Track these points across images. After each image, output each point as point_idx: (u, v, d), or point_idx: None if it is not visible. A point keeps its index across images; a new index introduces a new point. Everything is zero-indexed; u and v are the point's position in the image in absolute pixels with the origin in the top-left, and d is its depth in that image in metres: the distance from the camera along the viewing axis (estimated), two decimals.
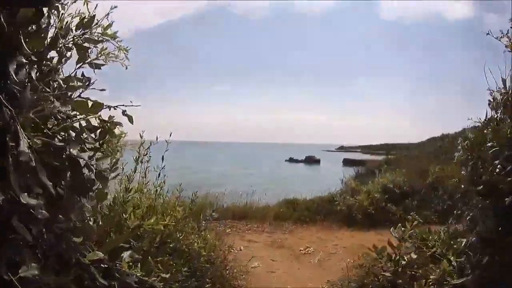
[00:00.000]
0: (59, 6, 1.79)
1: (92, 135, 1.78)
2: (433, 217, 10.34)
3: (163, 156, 4.18)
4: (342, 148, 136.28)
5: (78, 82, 1.85)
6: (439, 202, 10.92)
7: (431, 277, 3.13)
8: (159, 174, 4.35)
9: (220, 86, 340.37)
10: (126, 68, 2.23)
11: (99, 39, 2.02)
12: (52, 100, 1.54)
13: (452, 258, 3.08)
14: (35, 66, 1.50)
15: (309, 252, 8.29)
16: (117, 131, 2.04)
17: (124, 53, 2.20)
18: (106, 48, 2.10)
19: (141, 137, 3.70)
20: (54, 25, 1.79)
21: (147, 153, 4.15)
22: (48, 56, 1.69)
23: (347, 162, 64.84)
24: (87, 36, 1.97)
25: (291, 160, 70.48)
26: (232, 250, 7.53)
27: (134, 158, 3.76)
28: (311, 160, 66.97)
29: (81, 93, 1.83)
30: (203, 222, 5.34)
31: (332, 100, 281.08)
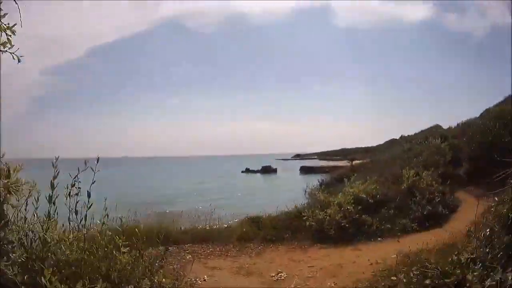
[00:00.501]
0: None
1: None
2: (413, 225, 9.76)
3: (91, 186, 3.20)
4: (298, 156, 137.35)
5: None
6: (418, 209, 10.32)
7: None
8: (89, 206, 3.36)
9: (175, 99, 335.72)
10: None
11: None
12: None
13: None
14: None
15: (282, 278, 7.31)
16: None
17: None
18: None
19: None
20: None
21: (74, 184, 3.24)
22: None
23: (304, 170, 65.77)
24: None
25: (247, 171, 69.94)
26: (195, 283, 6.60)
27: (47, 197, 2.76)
28: (268, 170, 66.85)
29: None
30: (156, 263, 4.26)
31: (286, 109, 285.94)
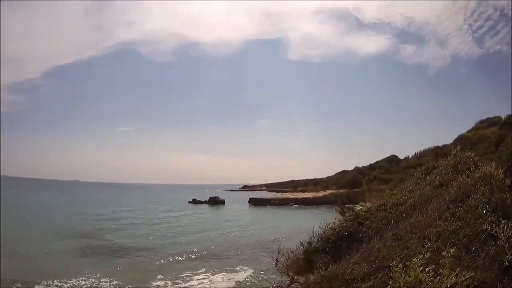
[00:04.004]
0: None
1: None
2: None
3: None
4: (246, 187, 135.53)
5: None
6: None
7: None
8: None
9: (124, 127, 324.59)
10: None
11: None
12: None
13: None
14: None
15: None
16: None
17: None
18: None
19: None
20: None
21: None
22: None
23: (253, 202, 64.46)
24: None
25: (194, 201, 67.44)
26: None
27: None
28: (216, 201, 64.85)
29: None
30: None
31: (233, 141, 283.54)
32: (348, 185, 63.79)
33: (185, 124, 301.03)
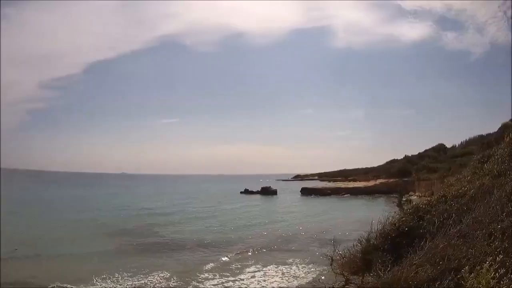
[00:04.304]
0: None
1: None
2: None
3: None
4: (298, 177, 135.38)
5: None
6: None
7: None
8: None
9: (170, 119, 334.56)
10: None
11: None
12: None
13: None
14: None
15: None
16: None
17: None
18: None
19: None
20: None
21: None
22: None
23: (306, 192, 64.36)
24: None
25: (246, 191, 68.31)
26: None
27: None
28: (268, 191, 65.32)
29: None
30: None
31: (282, 131, 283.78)
32: (397, 175, 62.57)
33: (232, 114, 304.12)
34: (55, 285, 13.67)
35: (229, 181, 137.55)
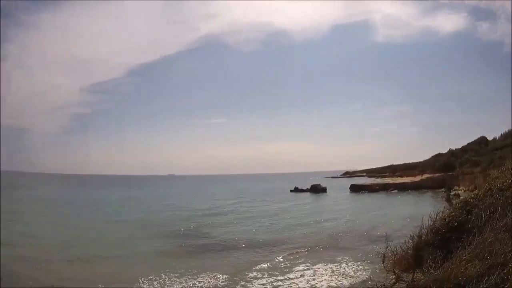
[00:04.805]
0: None
1: None
2: None
3: None
4: (347, 174, 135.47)
5: None
6: None
7: None
8: None
9: (217, 119, 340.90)
10: None
11: None
12: None
13: None
14: None
15: None
16: None
17: None
18: None
19: None
20: None
21: None
22: None
23: (355, 189, 64.26)
24: None
25: (296, 190, 68.85)
26: None
27: None
28: (317, 189, 65.77)
29: None
30: None
31: (327, 128, 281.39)
32: (442, 169, 62.14)
33: (279, 112, 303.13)
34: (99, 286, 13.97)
35: (279, 180, 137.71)
